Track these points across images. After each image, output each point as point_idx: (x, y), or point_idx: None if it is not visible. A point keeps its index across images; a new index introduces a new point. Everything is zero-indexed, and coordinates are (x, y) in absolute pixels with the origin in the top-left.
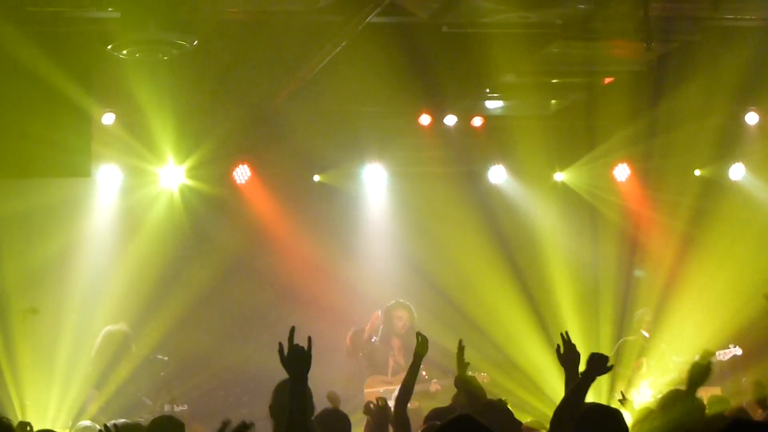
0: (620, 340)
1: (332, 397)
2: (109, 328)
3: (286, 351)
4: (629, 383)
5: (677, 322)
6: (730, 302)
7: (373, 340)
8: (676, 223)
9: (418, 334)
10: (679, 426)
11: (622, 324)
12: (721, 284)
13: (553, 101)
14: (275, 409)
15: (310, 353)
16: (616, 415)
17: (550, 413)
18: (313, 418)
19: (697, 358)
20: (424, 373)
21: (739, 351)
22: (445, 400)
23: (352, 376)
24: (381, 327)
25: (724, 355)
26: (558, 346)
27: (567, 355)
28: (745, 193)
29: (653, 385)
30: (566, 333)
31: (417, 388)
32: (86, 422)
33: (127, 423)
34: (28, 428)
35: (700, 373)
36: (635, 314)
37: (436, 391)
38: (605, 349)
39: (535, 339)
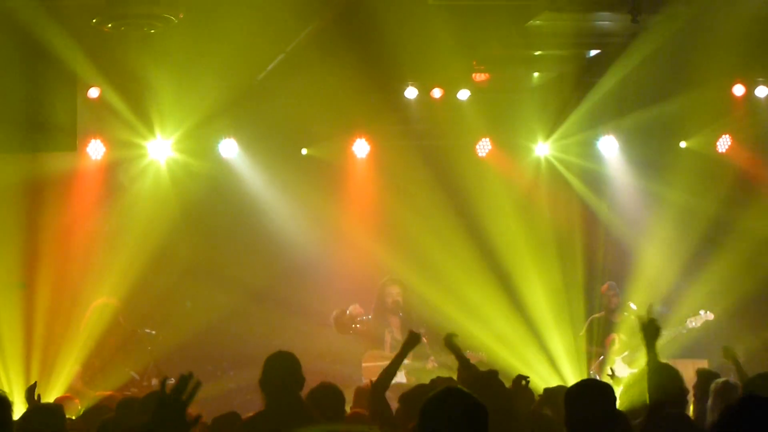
0: (589, 318)
1: None
2: (98, 301)
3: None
4: (603, 360)
5: (648, 293)
6: (714, 272)
7: (366, 318)
8: (662, 194)
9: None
10: (653, 391)
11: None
12: (700, 254)
13: (540, 74)
14: (264, 383)
15: (185, 402)
16: (607, 389)
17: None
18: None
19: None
20: (427, 349)
21: (710, 316)
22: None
23: (345, 351)
24: (374, 304)
25: (696, 321)
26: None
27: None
28: (732, 164)
29: (627, 360)
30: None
31: (415, 365)
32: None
33: (123, 398)
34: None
35: (648, 329)
36: (600, 289)
37: (432, 368)
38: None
39: (519, 312)
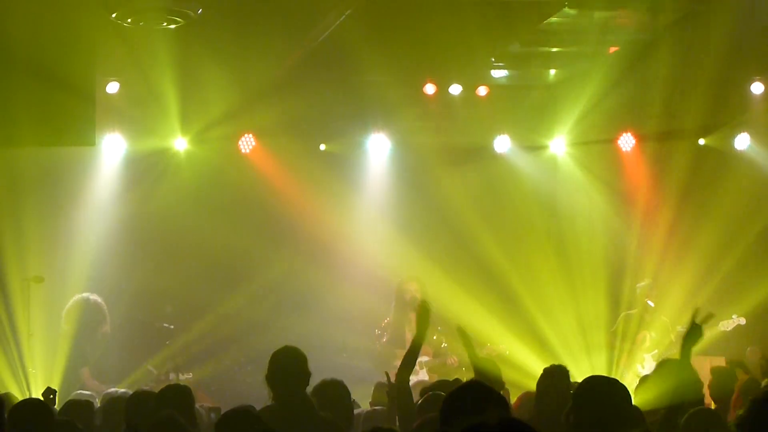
0: (622, 314)
1: None
2: (75, 298)
3: None
4: (632, 357)
5: (680, 294)
6: (734, 273)
7: (386, 321)
8: (681, 193)
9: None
10: (673, 393)
11: (623, 296)
12: (725, 255)
13: (558, 70)
14: (271, 378)
15: None
16: (616, 385)
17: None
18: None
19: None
20: (444, 344)
21: (742, 321)
22: (462, 374)
23: (362, 346)
24: (394, 301)
25: (727, 325)
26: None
27: (692, 331)
28: (750, 162)
29: (657, 358)
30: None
31: (435, 361)
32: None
33: (137, 392)
34: (51, 396)
35: (691, 334)
36: (637, 287)
37: (452, 364)
38: (604, 322)
39: (538, 308)
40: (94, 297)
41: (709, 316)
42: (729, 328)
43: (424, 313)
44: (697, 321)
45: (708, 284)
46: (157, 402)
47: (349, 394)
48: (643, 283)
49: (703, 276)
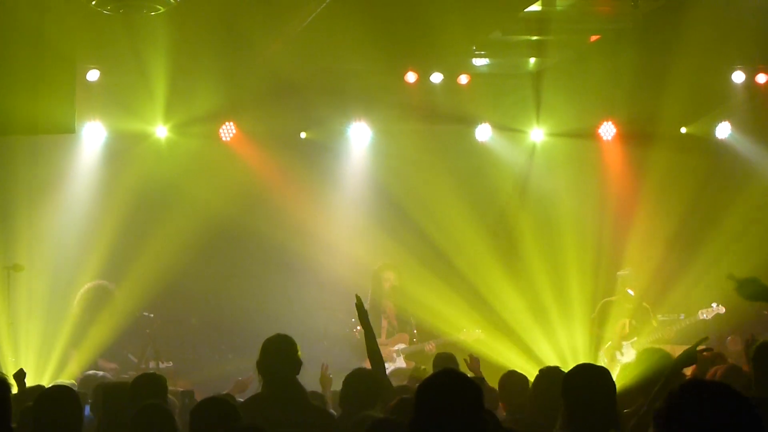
0: (601, 302)
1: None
2: (91, 284)
3: None
4: (612, 344)
5: (661, 282)
6: (714, 261)
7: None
8: (662, 181)
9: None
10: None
11: (602, 284)
12: (706, 241)
13: (540, 59)
14: (262, 366)
15: None
16: (605, 373)
17: (535, 370)
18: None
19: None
20: (415, 339)
21: (722, 309)
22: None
23: (342, 334)
24: (370, 289)
25: (707, 314)
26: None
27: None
28: (731, 151)
29: (636, 346)
30: (705, 339)
31: (411, 348)
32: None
33: (114, 383)
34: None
35: (686, 357)
36: (618, 275)
37: (430, 350)
38: (584, 309)
39: (519, 295)
40: (104, 283)
41: (704, 340)
42: (709, 317)
43: (359, 308)
44: (698, 348)
45: (689, 271)
46: (131, 391)
47: (379, 385)
48: (623, 272)
49: (684, 263)
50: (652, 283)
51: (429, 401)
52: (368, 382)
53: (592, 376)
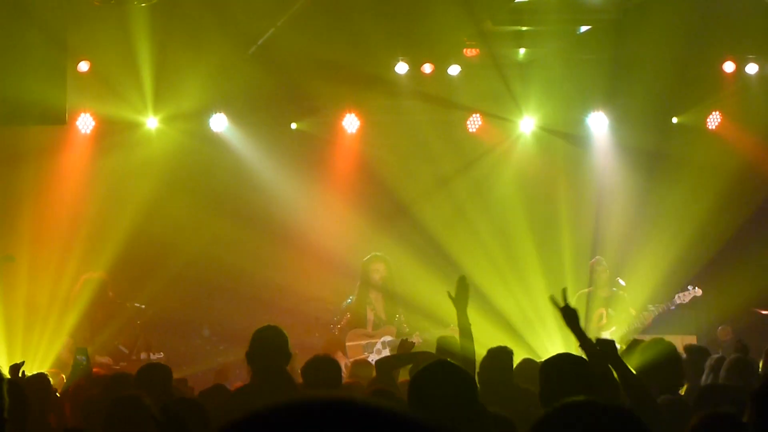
0: (578, 292)
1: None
2: (87, 274)
3: None
4: (590, 335)
5: (646, 271)
6: (701, 250)
7: (349, 300)
8: (651, 171)
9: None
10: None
11: (585, 275)
12: (692, 231)
13: (530, 49)
14: (252, 356)
15: None
16: (583, 363)
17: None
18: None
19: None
20: (406, 327)
21: (699, 292)
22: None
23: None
24: (359, 280)
25: (684, 297)
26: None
27: (565, 313)
28: (721, 140)
29: (615, 335)
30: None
31: (398, 341)
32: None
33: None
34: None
35: (565, 314)
36: (589, 264)
37: (417, 342)
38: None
39: (501, 286)
40: (100, 274)
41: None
42: (686, 300)
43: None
44: (565, 300)
45: (673, 260)
46: (136, 382)
47: (340, 369)
48: (594, 260)
49: (668, 251)
50: (636, 271)
51: (423, 390)
52: (327, 369)
53: (570, 365)
